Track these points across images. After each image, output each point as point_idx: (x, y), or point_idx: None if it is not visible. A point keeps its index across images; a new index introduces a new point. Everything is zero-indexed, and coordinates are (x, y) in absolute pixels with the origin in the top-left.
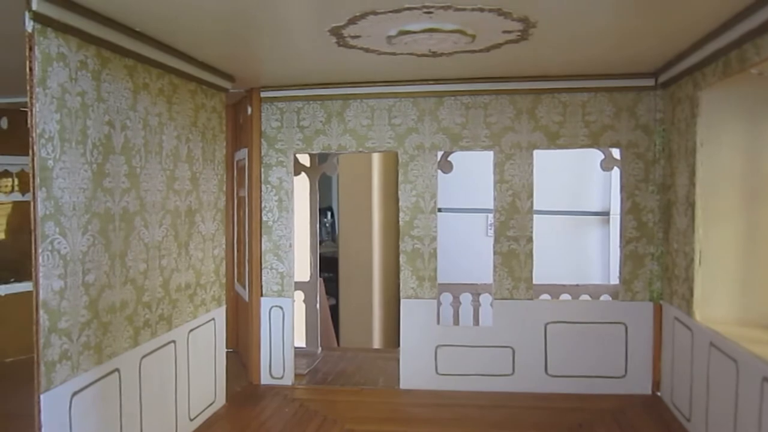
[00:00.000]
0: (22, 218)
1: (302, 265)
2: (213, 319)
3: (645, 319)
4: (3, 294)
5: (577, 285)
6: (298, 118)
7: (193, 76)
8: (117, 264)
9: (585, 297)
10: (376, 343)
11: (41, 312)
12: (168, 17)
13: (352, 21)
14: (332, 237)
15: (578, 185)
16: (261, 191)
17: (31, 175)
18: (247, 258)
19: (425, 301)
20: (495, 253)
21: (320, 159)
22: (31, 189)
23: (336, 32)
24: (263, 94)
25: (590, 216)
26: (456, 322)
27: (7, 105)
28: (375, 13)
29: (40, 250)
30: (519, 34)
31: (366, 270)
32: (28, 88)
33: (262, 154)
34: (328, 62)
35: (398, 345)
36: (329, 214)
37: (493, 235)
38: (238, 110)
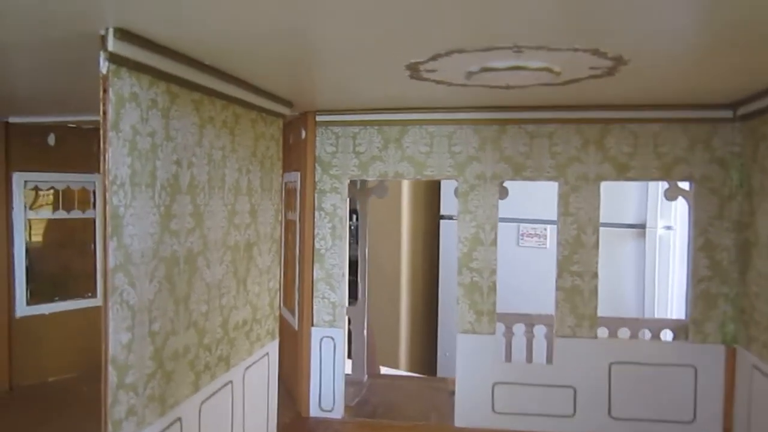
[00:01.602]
0: (62, 233)
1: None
2: (267, 353)
3: (716, 363)
4: (47, 313)
5: (637, 319)
6: (354, 143)
7: (254, 105)
8: (181, 308)
9: (644, 331)
10: (403, 343)
11: (110, 368)
12: (241, 51)
13: (435, 58)
14: (356, 239)
15: (611, 195)
16: (314, 218)
17: (102, 225)
18: (297, 286)
19: (483, 336)
20: (558, 288)
21: (362, 182)
22: (102, 239)
23: (413, 67)
24: (318, 118)
25: (624, 228)
26: (509, 355)
27: (55, 123)
28: (461, 52)
29: (110, 304)
30: (606, 70)
31: (394, 274)
32: (101, 132)
33: (316, 179)
34: (393, 91)
35: (434, 370)
36: (355, 216)
37: (555, 267)
38: (288, 131)
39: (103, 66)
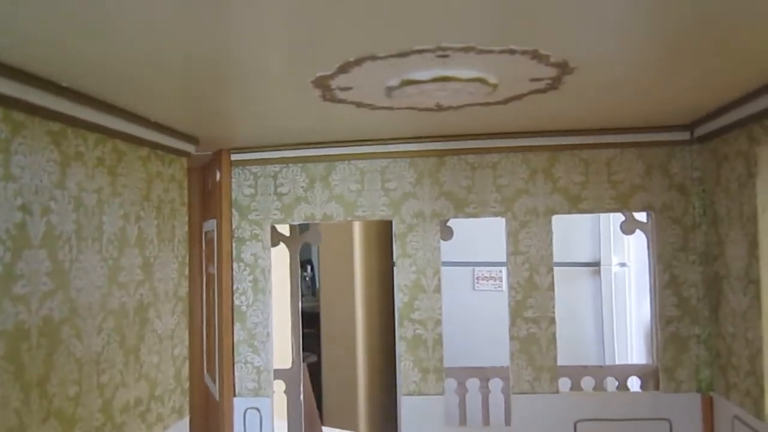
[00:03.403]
0: None
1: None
2: None
3: (692, 414)
4: None
5: (601, 367)
6: (275, 183)
7: (144, 140)
8: (34, 395)
9: (610, 379)
10: (362, 402)
11: None
12: (105, 71)
13: (344, 69)
14: (312, 291)
15: (563, 231)
16: (232, 270)
17: None
18: (216, 350)
19: (431, 397)
20: (512, 338)
21: (301, 227)
22: None
23: (322, 83)
24: (234, 157)
25: (578, 267)
26: (463, 415)
27: None
28: (374, 59)
29: None
30: (550, 82)
31: (349, 325)
32: None
33: (234, 226)
34: (311, 119)
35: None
36: (309, 267)
37: (508, 314)
38: (207, 174)
39: None
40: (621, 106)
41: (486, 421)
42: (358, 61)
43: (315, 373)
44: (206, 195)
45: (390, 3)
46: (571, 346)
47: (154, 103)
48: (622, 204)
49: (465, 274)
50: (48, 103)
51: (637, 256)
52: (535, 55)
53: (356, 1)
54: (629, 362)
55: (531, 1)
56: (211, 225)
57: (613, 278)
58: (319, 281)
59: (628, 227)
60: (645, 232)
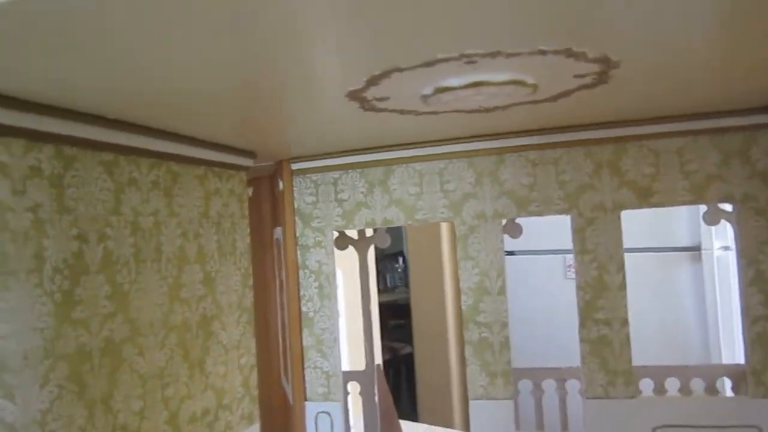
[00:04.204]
0: None
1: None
2: None
3: None
4: None
5: (686, 366)
6: (335, 190)
7: (200, 159)
8: (98, 412)
9: (697, 380)
10: (456, 397)
11: None
12: (155, 102)
13: (373, 82)
14: (405, 282)
15: (659, 215)
16: (298, 278)
17: None
18: (289, 356)
19: (499, 402)
20: (582, 340)
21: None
22: None
23: (356, 96)
24: (294, 166)
25: (677, 252)
26: (540, 418)
27: None
28: (400, 70)
29: None
30: (596, 77)
31: (439, 317)
32: None
33: (297, 234)
34: (360, 128)
35: None
36: (401, 258)
37: (578, 315)
38: (275, 182)
39: None
40: (686, 92)
41: (564, 425)
42: (385, 74)
43: (410, 364)
44: (275, 203)
45: (407, 15)
46: (671, 341)
47: (206, 126)
48: (698, 195)
49: (556, 262)
50: (98, 135)
51: None
52: (570, 54)
53: (375, 16)
54: (736, 359)
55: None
56: (280, 232)
57: (716, 263)
58: (409, 272)
59: (711, 218)
60: (731, 222)
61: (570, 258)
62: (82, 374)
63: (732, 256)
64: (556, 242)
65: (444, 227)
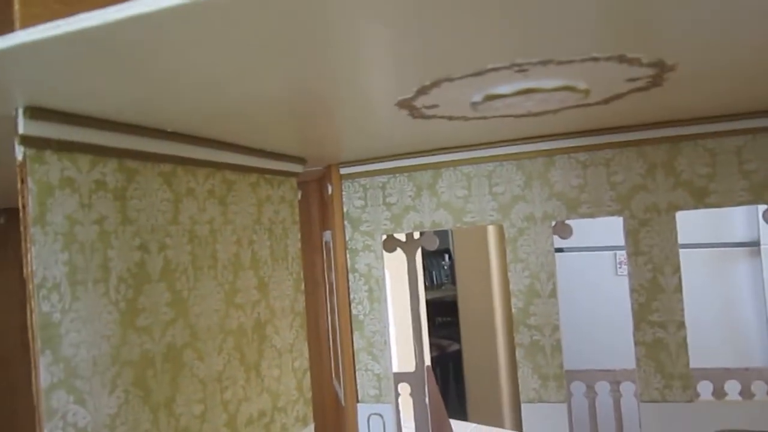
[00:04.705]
0: None
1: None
2: None
3: None
4: None
5: (747, 369)
6: (383, 194)
7: (252, 168)
8: (162, 416)
9: (759, 383)
10: (506, 396)
11: None
12: (210, 114)
13: (423, 92)
14: (452, 280)
15: (715, 210)
16: (348, 281)
17: (30, 338)
18: (340, 358)
19: (551, 405)
20: (636, 343)
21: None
22: (31, 355)
23: (406, 105)
24: (343, 171)
25: (733, 248)
26: (593, 422)
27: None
28: (450, 80)
29: (47, 431)
30: (650, 80)
31: (487, 315)
32: (22, 229)
33: (347, 238)
34: (409, 134)
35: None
36: (447, 256)
37: (632, 318)
38: (323, 185)
39: (18, 152)
40: (747, 90)
41: (619, 428)
42: (435, 84)
43: (458, 361)
44: (324, 206)
45: (459, 28)
46: (727, 342)
47: (259, 135)
48: (757, 196)
49: (606, 259)
50: (157, 148)
51: None
52: (623, 59)
53: (429, 31)
54: None
55: (604, 5)
56: (329, 236)
57: None
58: (456, 269)
59: None
60: None
61: (621, 254)
62: (147, 379)
63: None
64: (607, 239)
65: (491, 226)
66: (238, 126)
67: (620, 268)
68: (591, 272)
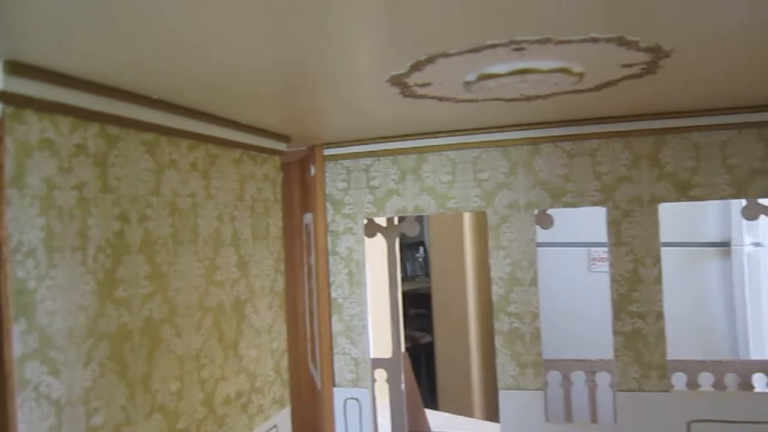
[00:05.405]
0: None
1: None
2: (275, 426)
3: None
4: None
5: (721, 361)
6: (367, 177)
7: (236, 142)
8: (139, 392)
9: (731, 376)
10: (476, 387)
11: None
12: (195, 82)
13: (417, 67)
14: (426, 272)
15: (688, 210)
16: (328, 264)
17: (2, 304)
18: (317, 341)
19: (529, 392)
20: (615, 333)
21: (398, 217)
22: (2, 323)
23: (398, 81)
24: (326, 152)
25: (706, 247)
26: (568, 410)
27: None
28: (446, 56)
29: (18, 402)
30: (644, 67)
31: (460, 307)
32: None
33: (328, 220)
34: (396, 114)
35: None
36: (421, 248)
37: (611, 308)
38: (305, 167)
39: None
40: (736, 84)
41: (593, 418)
42: (431, 59)
43: (430, 353)
44: (306, 188)
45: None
46: (698, 337)
47: (244, 107)
48: (740, 190)
49: (580, 255)
50: (141, 115)
51: None
52: (622, 42)
53: (423, 0)
54: (766, 355)
55: None
56: (310, 218)
57: (746, 260)
58: (430, 262)
59: (750, 212)
60: None
61: (594, 251)
62: (123, 353)
63: (763, 253)
64: (581, 235)
65: (467, 217)
66: (223, 96)
67: (593, 264)
68: (565, 268)
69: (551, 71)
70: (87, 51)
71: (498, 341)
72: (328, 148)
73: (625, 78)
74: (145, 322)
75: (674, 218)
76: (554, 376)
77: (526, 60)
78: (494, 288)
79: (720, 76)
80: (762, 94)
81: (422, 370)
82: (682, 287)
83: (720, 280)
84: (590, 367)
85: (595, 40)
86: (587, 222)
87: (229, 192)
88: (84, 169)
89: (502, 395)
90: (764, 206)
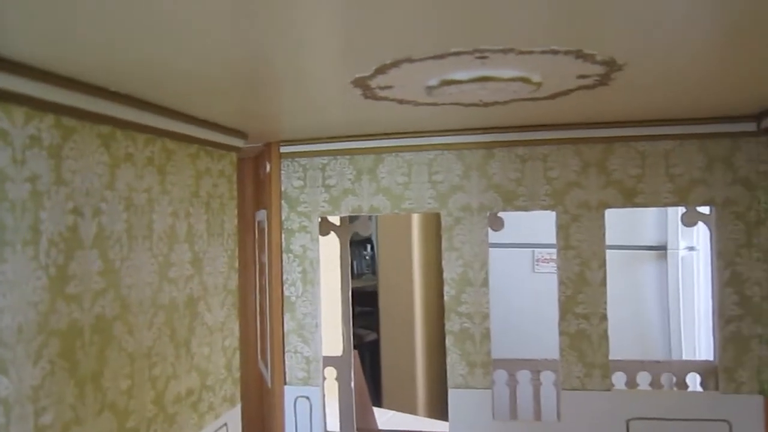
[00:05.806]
0: None
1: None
2: (225, 424)
3: (754, 416)
4: None
5: (658, 362)
6: (323, 176)
7: (193, 138)
8: (89, 390)
9: (667, 375)
10: (421, 385)
11: None
12: (153, 76)
13: (381, 71)
14: (373, 270)
15: (628, 214)
16: (282, 261)
17: None
18: (268, 339)
19: (478, 391)
20: (561, 333)
21: (351, 216)
22: None
23: (361, 83)
24: (283, 149)
25: (644, 250)
26: (513, 408)
27: None
28: (411, 61)
29: None
30: (598, 78)
31: (407, 306)
32: None
33: (283, 218)
34: (355, 115)
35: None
36: (369, 246)
37: (558, 310)
38: (260, 164)
39: None
40: (679, 98)
41: (537, 415)
42: (395, 63)
43: (374, 351)
44: (259, 185)
45: (426, 7)
46: (634, 337)
47: (201, 102)
48: (681, 198)
49: (524, 256)
50: (97, 107)
51: (706, 240)
52: (580, 55)
53: (392, 6)
54: (696, 356)
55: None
56: (262, 215)
57: (681, 263)
58: (378, 260)
59: (689, 219)
60: (708, 225)
61: (538, 252)
62: (74, 351)
63: (696, 257)
64: (526, 237)
65: (416, 217)
66: (181, 90)
67: (537, 265)
68: (510, 268)
69: (511, 80)
70: (41, 39)
71: (449, 341)
72: (284, 145)
73: (579, 88)
74: (96, 319)
75: (614, 221)
76: (501, 375)
77: (488, 68)
78: (446, 288)
79: (666, 89)
80: (703, 107)
81: (367, 368)
82: (621, 289)
83: (656, 282)
84: (536, 367)
85: (555, 52)
86: (532, 224)
87: (185, 187)
88: (38, 161)
89: (452, 394)
90: (702, 214)
